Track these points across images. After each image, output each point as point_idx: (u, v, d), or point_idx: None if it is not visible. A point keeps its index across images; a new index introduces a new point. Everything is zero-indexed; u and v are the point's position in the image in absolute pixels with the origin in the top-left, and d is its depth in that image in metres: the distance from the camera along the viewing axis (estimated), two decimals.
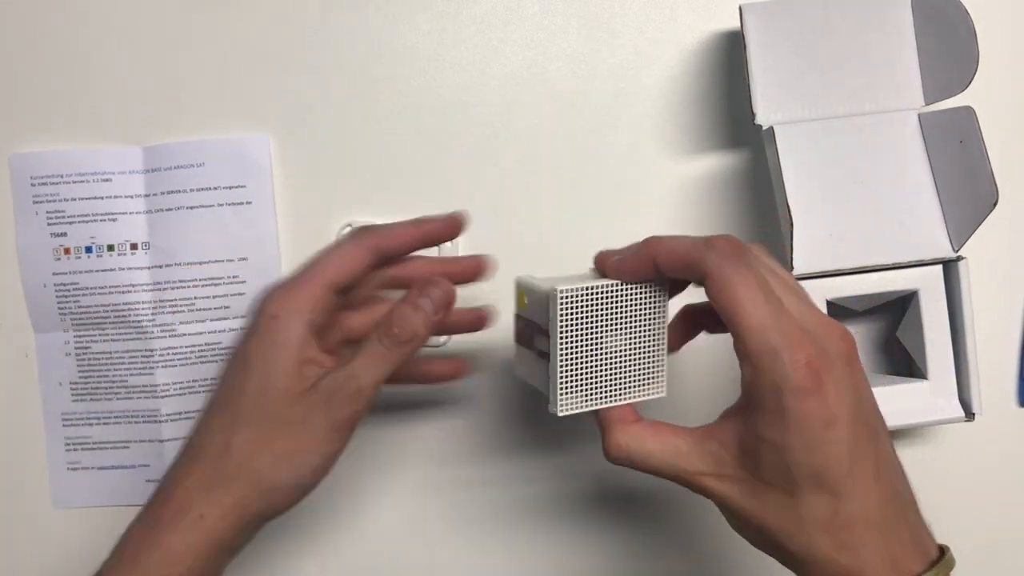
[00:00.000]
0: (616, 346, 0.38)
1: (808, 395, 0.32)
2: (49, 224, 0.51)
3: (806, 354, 0.33)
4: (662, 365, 0.39)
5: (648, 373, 0.39)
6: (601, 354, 0.37)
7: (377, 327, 0.38)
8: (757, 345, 0.33)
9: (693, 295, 0.38)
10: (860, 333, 0.52)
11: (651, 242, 0.36)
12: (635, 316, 0.38)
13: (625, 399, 0.38)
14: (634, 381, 0.38)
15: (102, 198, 0.51)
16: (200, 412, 0.40)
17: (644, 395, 0.39)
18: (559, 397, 0.37)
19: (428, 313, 0.39)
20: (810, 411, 0.32)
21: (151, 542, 0.37)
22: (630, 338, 0.38)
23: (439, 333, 0.44)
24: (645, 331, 0.38)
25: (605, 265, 0.38)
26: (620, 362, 0.38)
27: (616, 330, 0.37)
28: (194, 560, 0.37)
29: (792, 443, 0.33)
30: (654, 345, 0.38)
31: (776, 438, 0.33)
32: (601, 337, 0.37)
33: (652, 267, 0.36)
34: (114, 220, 0.51)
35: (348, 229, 0.52)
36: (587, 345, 0.37)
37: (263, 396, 0.37)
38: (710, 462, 0.36)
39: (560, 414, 0.37)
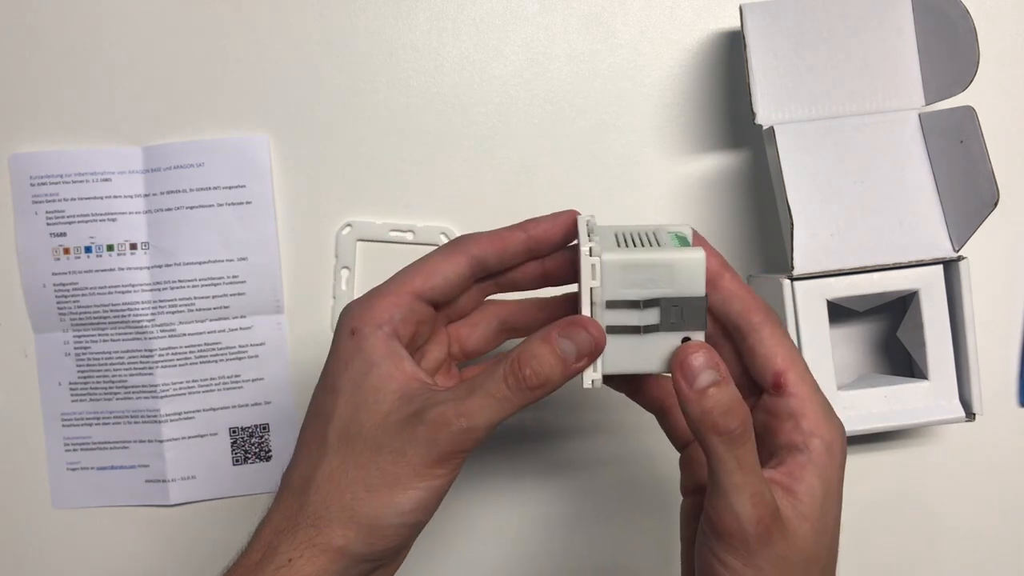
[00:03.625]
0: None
1: (835, 503, 0.34)
2: (48, 224, 0.51)
3: (843, 465, 0.34)
4: None
5: None
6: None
7: (505, 361, 0.33)
8: (815, 411, 0.33)
9: None
10: (860, 333, 0.52)
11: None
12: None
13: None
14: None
15: (102, 198, 0.51)
16: (295, 448, 0.35)
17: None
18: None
19: (569, 360, 0.32)
20: (838, 491, 0.34)
21: None
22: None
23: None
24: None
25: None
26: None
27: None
28: None
29: (828, 522, 0.34)
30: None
31: (806, 532, 0.33)
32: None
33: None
34: (114, 220, 0.51)
35: (348, 229, 0.52)
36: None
37: (353, 422, 0.33)
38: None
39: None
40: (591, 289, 0.33)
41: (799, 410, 0.33)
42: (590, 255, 0.33)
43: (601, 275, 0.33)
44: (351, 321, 0.34)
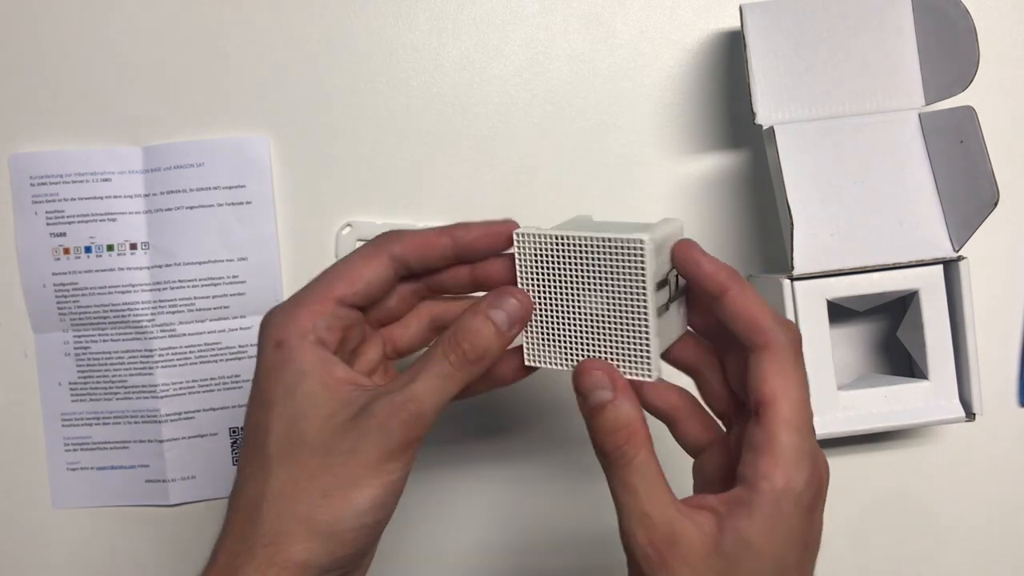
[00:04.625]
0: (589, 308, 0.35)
1: (806, 515, 0.31)
2: (48, 224, 0.51)
3: (822, 475, 0.32)
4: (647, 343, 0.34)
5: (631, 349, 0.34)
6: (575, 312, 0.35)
7: (441, 341, 0.33)
8: (790, 447, 0.31)
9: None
10: (860, 333, 0.52)
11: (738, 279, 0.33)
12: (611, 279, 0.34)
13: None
14: (613, 352, 0.35)
15: (102, 198, 0.51)
16: (236, 471, 0.34)
17: (628, 373, 0.34)
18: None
19: (502, 328, 0.33)
20: (802, 532, 0.31)
21: None
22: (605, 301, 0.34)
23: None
24: (622, 297, 0.34)
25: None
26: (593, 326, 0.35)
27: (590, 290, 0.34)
28: None
29: (772, 556, 0.30)
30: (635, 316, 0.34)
31: (760, 543, 0.30)
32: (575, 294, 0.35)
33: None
34: (114, 220, 0.51)
35: (348, 229, 0.52)
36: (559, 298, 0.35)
37: (292, 432, 0.32)
38: (694, 538, 0.31)
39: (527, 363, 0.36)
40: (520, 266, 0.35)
41: (763, 446, 0.31)
42: (520, 232, 0.35)
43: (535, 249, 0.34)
44: (275, 333, 0.33)
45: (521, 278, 0.35)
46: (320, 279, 0.35)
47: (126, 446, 0.52)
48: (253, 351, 0.51)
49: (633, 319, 0.34)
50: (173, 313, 0.51)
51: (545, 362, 0.36)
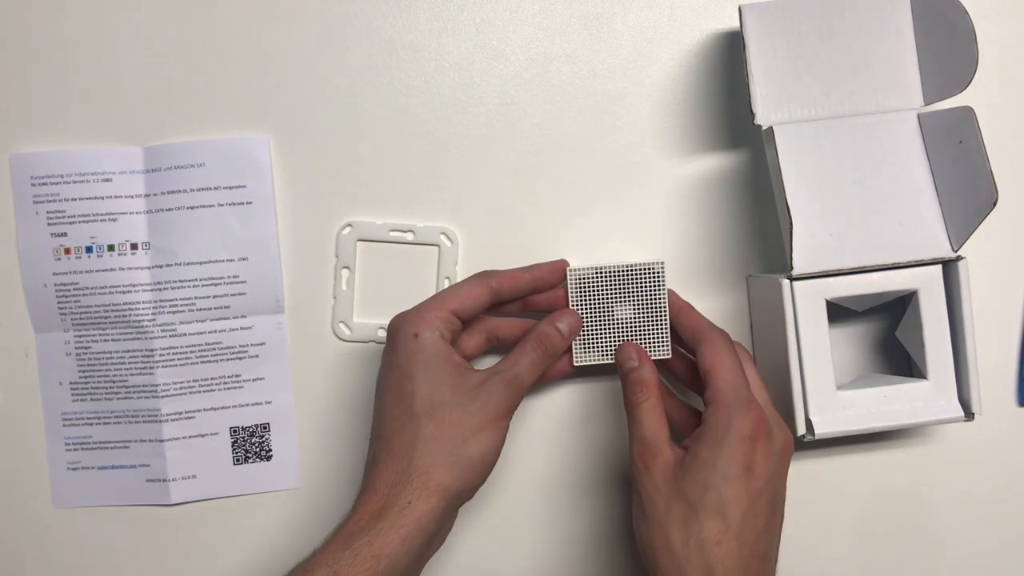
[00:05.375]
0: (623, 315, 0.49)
1: (744, 441, 0.41)
2: (49, 224, 0.51)
3: (756, 418, 0.42)
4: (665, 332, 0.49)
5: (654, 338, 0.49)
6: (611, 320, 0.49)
7: (529, 340, 0.47)
8: (722, 395, 0.43)
9: None
10: (859, 333, 0.52)
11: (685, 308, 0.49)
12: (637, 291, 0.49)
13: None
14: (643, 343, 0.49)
15: (102, 198, 0.51)
16: (374, 428, 0.45)
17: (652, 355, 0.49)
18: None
19: (565, 334, 0.48)
20: (740, 452, 0.41)
21: (362, 527, 0.41)
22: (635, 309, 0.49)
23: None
24: (647, 304, 0.49)
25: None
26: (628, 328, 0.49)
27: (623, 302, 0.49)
28: (401, 543, 0.41)
29: (717, 468, 0.41)
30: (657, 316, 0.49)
31: (708, 460, 0.41)
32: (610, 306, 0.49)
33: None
34: (114, 220, 0.51)
35: (348, 229, 0.52)
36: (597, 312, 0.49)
37: (435, 395, 0.44)
38: (666, 458, 0.43)
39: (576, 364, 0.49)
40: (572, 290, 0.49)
41: (709, 399, 0.44)
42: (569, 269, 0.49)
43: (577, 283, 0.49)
44: (411, 327, 0.45)
45: (572, 299, 0.49)
46: (439, 295, 0.47)
47: (127, 446, 0.52)
48: (253, 351, 0.52)
49: (655, 317, 0.49)
50: (174, 313, 0.51)
51: (589, 360, 0.49)
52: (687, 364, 0.50)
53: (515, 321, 0.50)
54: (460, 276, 0.52)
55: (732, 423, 0.42)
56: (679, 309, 0.49)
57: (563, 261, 0.50)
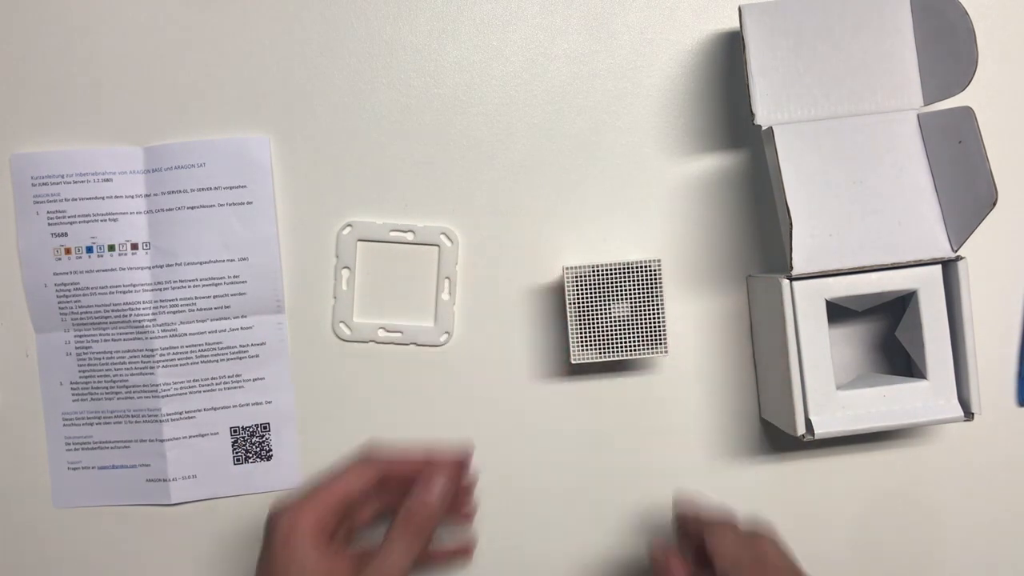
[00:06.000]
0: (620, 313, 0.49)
1: None
2: (50, 224, 0.51)
3: (760, 553, 0.42)
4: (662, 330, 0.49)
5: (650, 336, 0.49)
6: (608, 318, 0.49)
7: (399, 521, 0.43)
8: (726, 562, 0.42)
9: None
10: (859, 333, 0.52)
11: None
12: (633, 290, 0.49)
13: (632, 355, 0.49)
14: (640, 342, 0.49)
15: (103, 198, 0.51)
16: None
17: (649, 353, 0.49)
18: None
19: (436, 507, 0.44)
20: None
21: None
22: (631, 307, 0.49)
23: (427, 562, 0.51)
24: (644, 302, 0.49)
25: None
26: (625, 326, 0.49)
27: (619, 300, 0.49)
28: None
29: None
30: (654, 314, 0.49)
31: None
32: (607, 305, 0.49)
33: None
34: (115, 220, 0.51)
35: (348, 229, 0.52)
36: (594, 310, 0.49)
37: None
38: None
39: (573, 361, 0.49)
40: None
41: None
42: None
43: None
44: (287, 524, 0.42)
45: (568, 300, 0.48)
46: (323, 486, 0.44)
47: (127, 445, 0.52)
48: (253, 351, 0.51)
49: (653, 315, 0.48)
50: (174, 313, 0.51)
51: (587, 358, 0.49)
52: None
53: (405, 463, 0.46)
54: (460, 276, 0.52)
55: None
56: (692, 515, 0.47)
57: (467, 451, 0.47)
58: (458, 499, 0.48)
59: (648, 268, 0.48)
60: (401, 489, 0.45)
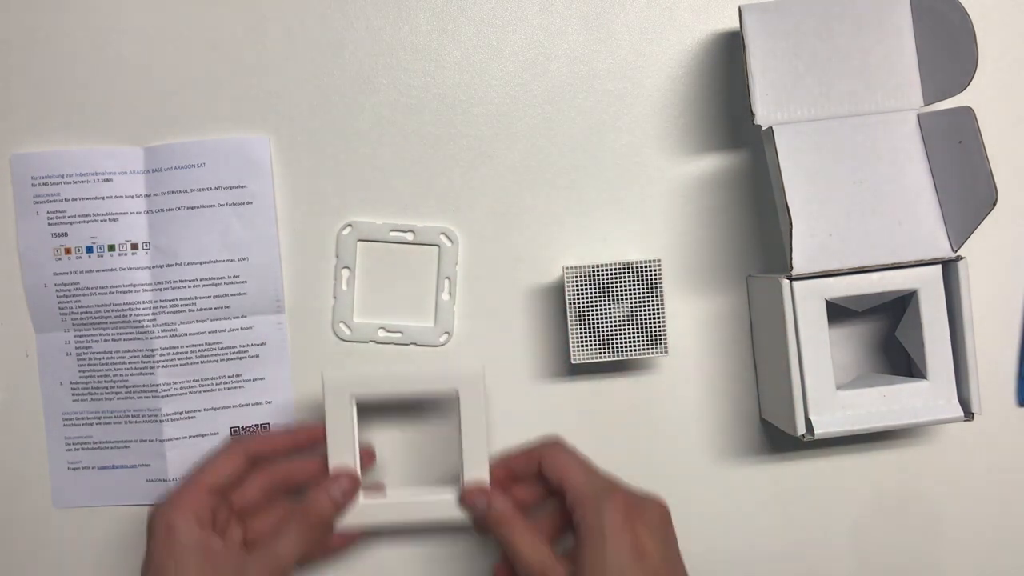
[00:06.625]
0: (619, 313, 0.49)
1: (622, 528, 0.41)
2: (50, 224, 0.51)
3: (624, 501, 0.42)
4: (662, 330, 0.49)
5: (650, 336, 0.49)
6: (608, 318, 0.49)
7: (295, 514, 0.45)
8: (583, 492, 0.43)
9: None
10: (859, 333, 0.52)
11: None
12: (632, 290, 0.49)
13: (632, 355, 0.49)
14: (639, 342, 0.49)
15: (103, 198, 0.51)
16: None
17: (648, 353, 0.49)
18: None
19: (337, 500, 0.46)
20: (623, 541, 0.41)
21: None
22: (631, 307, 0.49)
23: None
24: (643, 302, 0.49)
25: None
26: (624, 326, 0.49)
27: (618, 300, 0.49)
28: None
29: (609, 566, 0.40)
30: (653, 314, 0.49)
31: (596, 561, 0.40)
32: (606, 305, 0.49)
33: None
34: (115, 220, 0.51)
35: (348, 229, 0.52)
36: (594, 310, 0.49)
37: None
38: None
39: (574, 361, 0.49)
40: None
41: (573, 502, 0.43)
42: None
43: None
44: (166, 519, 0.43)
45: (568, 300, 0.48)
46: (193, 475, 0.45)
47: (127, 446, 0.52)
48: (253, 351, 0.51)
49: (652, 315, 0.48)
50: (174, 313, 0.51)
51: (586, 358, 0.49)
52: (542, 491, 0.48)
53: (283, 437, 0.48)
54: (460, 276, 0.52)
55: (603, 516, 0.41)
56: (503, 461, 0.48)
57: (320, 427, 0.47)
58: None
59: (648, 268, 0.48)
60: (277, 464, 0.48)
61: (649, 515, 0.43)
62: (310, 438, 0.48)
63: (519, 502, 0.46)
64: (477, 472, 0.47)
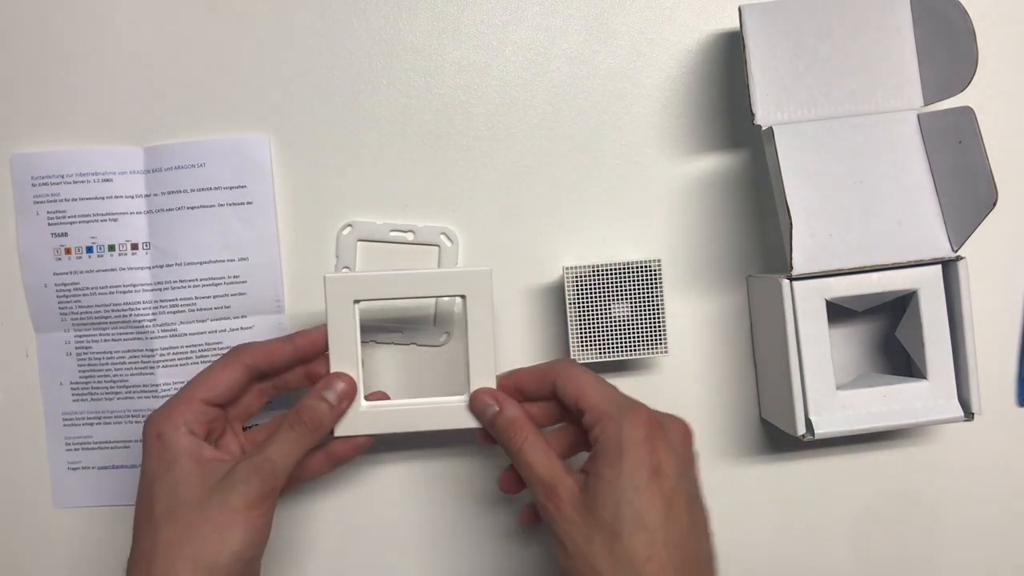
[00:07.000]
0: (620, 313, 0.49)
1: (642, 444, 0.40)
2: (50, 224, 0.51)
3: (646, 418, 0.41)
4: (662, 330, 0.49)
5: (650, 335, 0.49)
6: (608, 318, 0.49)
7: (288, 416, 0.43)
8: (604, 409, 0.41)
9: None
10: (859, 333, 0.52)
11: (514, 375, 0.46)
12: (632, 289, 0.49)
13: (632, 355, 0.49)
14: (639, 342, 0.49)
15: (103, 198, 0.51)
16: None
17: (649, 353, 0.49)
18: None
19: (333, 404, 0.44)
20: (641, 457, 0.39)
21: None
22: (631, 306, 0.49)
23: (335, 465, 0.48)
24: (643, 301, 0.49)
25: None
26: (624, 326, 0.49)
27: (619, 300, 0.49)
28: None
29: (624, 481, 0.39)
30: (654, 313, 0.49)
31: (612, 475, 0.39)
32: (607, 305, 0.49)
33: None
34: (115, 220, 0.51)
35: (348, 229, 0.52)
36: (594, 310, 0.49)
37: (174, 497, 0.41)
38: (569, 488, 0.41)
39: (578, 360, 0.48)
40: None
41: (592, 418, 0.41)
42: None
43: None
44: (155, 428, 0.43)
45: (568, 300, 0.48)
46: (188, 384, 0.44)
47: (127, 446, 0.52)
48: None
49: (652, 314, 0.49)
50: (174, 313, 0.51)
51: (588, 358, 0.49)
52: (553, 412, 0.46)
53: (280, 345, 0.46)
54: None
55: (623, 431, 0.40)
56: (512, 376, 0.45)
57: (322, 333, 0.45)
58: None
59: (648, 268, 0.48)
60: (280, 376, 0.46)
61: (671, 434, 0.41)
62: (311, 344, 0.45)
63: (531, 416, 0.44)
64: (484, 382, 0.45)
